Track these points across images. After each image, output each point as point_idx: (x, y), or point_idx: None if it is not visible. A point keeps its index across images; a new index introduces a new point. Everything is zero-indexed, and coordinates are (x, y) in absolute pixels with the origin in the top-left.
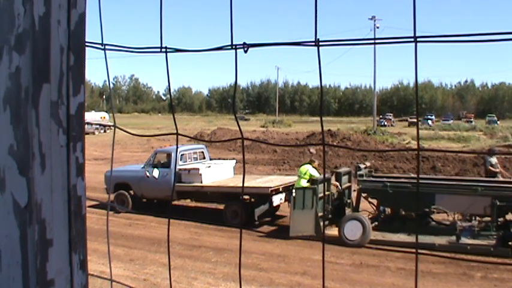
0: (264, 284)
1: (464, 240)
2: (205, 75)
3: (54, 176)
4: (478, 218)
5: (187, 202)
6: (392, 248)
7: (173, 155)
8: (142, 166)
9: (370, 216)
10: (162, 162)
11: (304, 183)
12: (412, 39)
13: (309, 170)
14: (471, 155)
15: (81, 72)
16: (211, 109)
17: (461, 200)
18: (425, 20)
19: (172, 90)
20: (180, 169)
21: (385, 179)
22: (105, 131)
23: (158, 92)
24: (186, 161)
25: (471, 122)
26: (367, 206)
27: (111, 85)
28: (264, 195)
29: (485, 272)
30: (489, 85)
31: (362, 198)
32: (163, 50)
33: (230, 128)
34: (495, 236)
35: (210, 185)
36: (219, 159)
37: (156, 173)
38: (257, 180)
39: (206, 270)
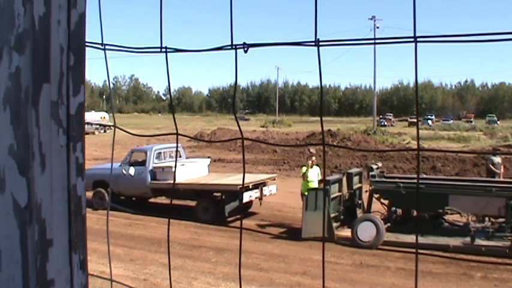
0: (264, 284)
1: (479, 241)
2: (205, 75)
3: (54, 176)
4: (491, 219)
5: (187, 202)
6: (392, 248)
7: (148, 153)
8: (119, 164)
9: (381, 218)
10: (138, 160)
11: (315, 184)
12: (412, 39)
13: (303, 170)
14: (471, 155)
15: (81, 72)
16: (211, 109)
17: (475, 201)
18: (425, 20)
19: (172, 90)
20: (155, 167)
21: (397, 180)
22: (105, 131)
23: (158, 92)
24: (161, 160)
25: (471, 122)
26: (377, 207)
27: (111, 85)
28: (234, 192)
29: (485, 272)
30: (489, 85)
31: (374, 199)
32: (163, 50)
33: (230, 128)
34: (510, 238)
35: (182, 183)
36: (195, 157)
37: (132, 171)
38: (228, 178)
39: (206, 270)
